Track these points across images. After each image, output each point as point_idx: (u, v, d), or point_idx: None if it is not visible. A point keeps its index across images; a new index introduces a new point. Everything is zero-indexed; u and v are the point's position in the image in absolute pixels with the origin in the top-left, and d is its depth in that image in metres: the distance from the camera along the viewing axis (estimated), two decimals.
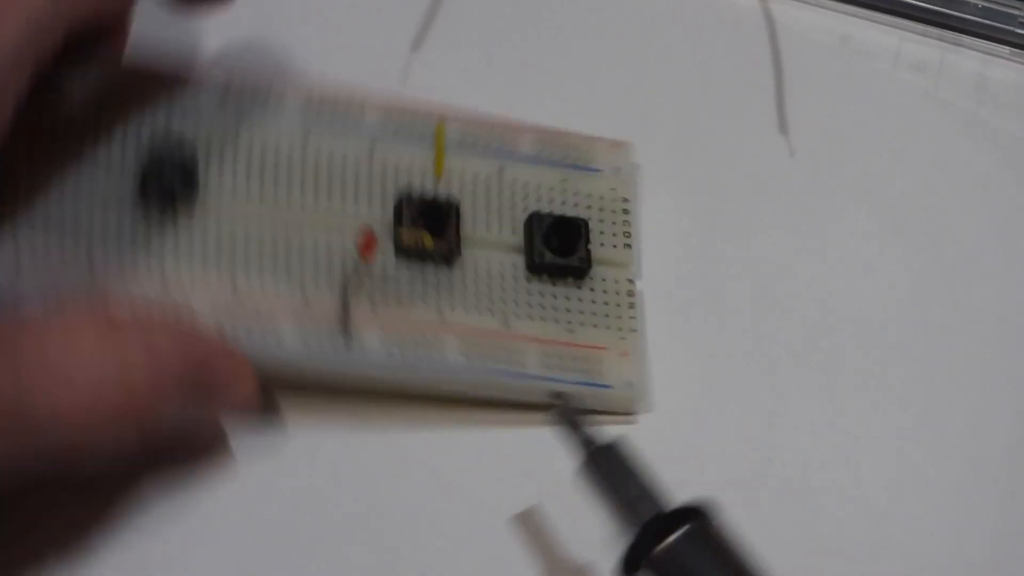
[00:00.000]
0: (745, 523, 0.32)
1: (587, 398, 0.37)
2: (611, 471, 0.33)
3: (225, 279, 0.35)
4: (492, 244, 0.37)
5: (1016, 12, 0.43)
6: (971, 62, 0.43)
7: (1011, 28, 0.43)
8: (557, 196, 0.38)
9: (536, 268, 0.37)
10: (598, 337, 0.37)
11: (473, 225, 0.37)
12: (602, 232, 0.38)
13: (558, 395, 0.36)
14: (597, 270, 0.38)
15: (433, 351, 0.36)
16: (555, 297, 0.37)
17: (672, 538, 0.32)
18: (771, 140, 0.41)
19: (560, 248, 0.37)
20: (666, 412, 0.37)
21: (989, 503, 0.37)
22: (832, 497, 0.37)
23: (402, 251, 0.36)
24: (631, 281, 0.38)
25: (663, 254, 0.39)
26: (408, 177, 0.37)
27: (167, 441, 0.32)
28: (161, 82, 0.36)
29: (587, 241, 0.37)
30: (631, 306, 0.38)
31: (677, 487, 0.33)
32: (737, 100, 0.42)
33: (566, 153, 0.39)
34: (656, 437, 0.35)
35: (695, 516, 0.32)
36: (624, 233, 0.38)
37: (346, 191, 0.37)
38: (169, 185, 0.35)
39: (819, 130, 0.42)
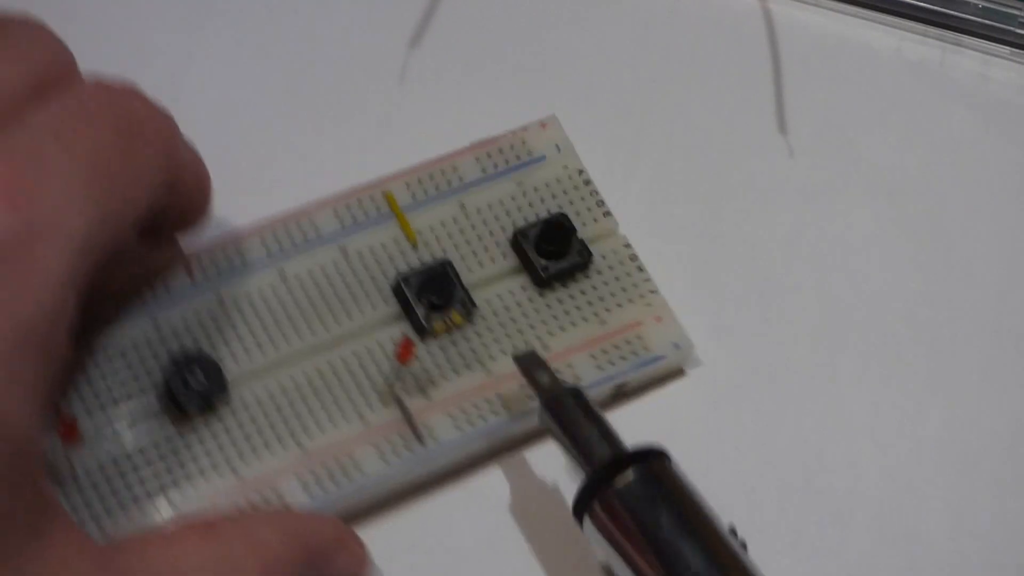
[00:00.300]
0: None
1: (647, 376, 0.37)
2: (569, 416, 0.34)
3: (289, 443, 0.35)
4: (494, 278, 0.38)
5: (1016, 12, 0.43)
6: (971, 62, 0.43)
7: (1011, 28, 0.43)
8: (523, 201, 0.38)
9: (545, 282, 0.37)
10: (628, 315, 0.38)
11: (469, 270, 0.37)
12: (578, 213, 0.39)
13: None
14: (593, 249, 0.38)
15: (496, 409, 0.36)
16: (572, 298, 0.38)
17: (622, 479, 0.32)
18: (771, 139, 0.42)
19: (556, 252, 0.38)
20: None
21: (998, 485, 0.38)
22: (838, 473, 0.37)
23: (430, 334, 0.36)
24: (627, 245, 0.38)
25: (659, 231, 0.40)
26: (389, 258, 0.37)
27: None
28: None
29: (575, 232, 0.38)
30: (640, 269, 0.38)
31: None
32: (736, 100, 0.42)
33: (506, 156, 0.39)
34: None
35: (647, 459, 0.33)
36: (597, 203, 0.39)
37: (344, 303, 0.37)
38: (200, 389, 0.35)
39: (818, 130, 0.42)
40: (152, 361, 0.35)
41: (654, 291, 0.38)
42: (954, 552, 0.36)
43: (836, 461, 0.37)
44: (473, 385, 0.36)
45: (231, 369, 0.35)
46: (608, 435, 0.34)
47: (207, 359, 0.35)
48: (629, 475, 0.32)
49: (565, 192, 0.39)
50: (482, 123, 0.39)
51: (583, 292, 0.38)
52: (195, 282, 0.36)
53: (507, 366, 0.36)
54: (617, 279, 0.38)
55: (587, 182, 0.39)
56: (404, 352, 0.35)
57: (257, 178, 0.39)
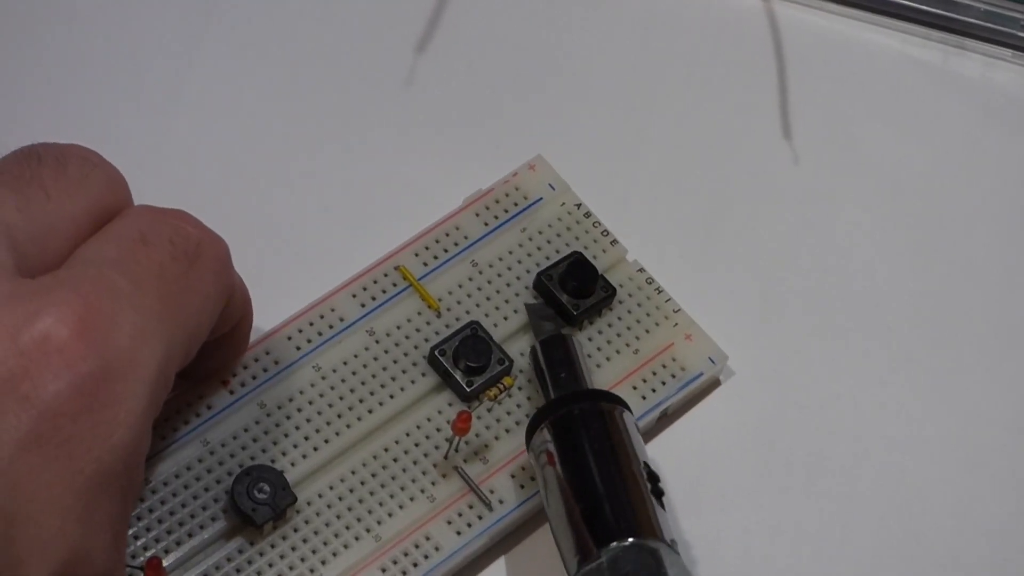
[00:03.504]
0: None
1: (689, 395, 0.38)
2: (551, 357, 0.36)
3: (363, 535, 0.35)
4: (523, 328, 0.38)
5: (1018, 15, 0.43)
6: (974, 64, 0.43)
7: (1013, 31, 0.43)
8: (531, 246, 0.39)
9: (575, 320, 0.38)
10: (659, 339, 0.38)
11: (495, 326, 0.38)
12: (586, 247, 0.39)
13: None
14: (611, 279, 0.38)
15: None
16: (601, 333, 0.38)
17: (568, 409, 0.34)
18: (775, 143, 0.42)
19: (581, 290, 0.38)
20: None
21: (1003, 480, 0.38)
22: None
23: (474, 398, 0.37)
24: (641, 270, 0.39)
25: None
26: (417, 330, 0.37)
27: None
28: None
29: (594, 268, 0.38)
30: (659, 290, 0.39)
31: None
32: (740, 103, 0.42)
33: (503, 206, 0.39)
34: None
35: (599, 400, 0.35)
36: (602, 233, 0.39)
37: (385, 384, 0.37)
38: (268, 501, 0.35)
39: (822, 132, 0.42)
40: (213, 483, 0.35)
41: (677, 310, 0.38)
42: (961, 552, 0.37)
43: (844, 459, 0.38)
44: (522, 443, 0.36)
45: (291, 472, 0.35)
46: (576, 378, 0.36)
47: (267, 468, 0.35)
48: (575, 408, 0.34)
49: (569, 229, 0.39)
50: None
51: (610, 325, 0.38)
52: (234, 394, 0.36)
53: None
54: (639, 305, 0.38)
55: (587, 214, 0.39)
56: (462, 424, 0.35)
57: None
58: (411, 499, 0.36)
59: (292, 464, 0.35)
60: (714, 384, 0.39)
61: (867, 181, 0.42)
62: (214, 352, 0.35)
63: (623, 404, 0.35)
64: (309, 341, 0.37)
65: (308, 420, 0.36)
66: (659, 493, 0.34)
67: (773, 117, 0.42)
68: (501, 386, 0.36)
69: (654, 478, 0.34)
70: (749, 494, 0.37)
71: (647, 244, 0.39)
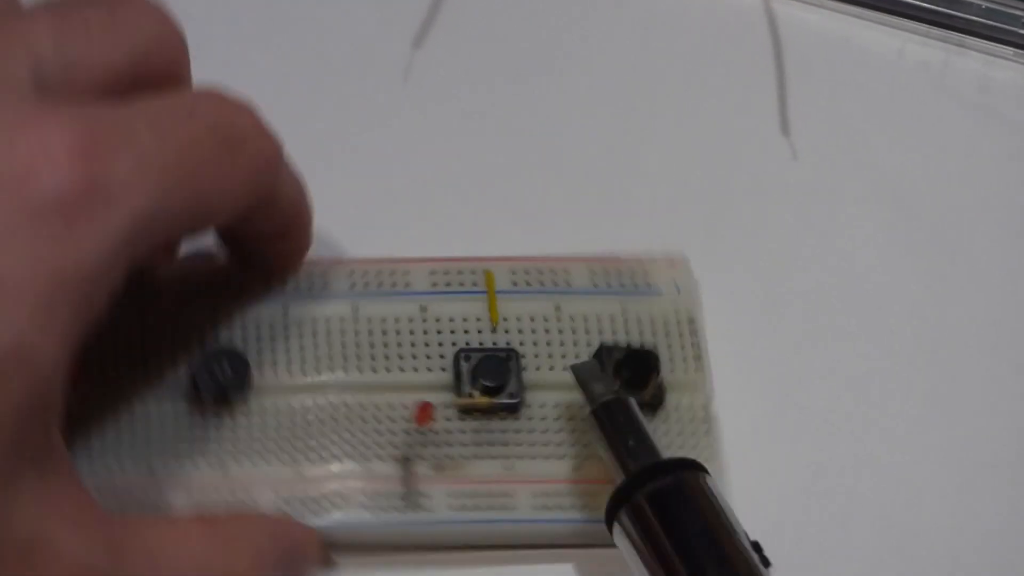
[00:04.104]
0: None
1: None
2: (615, 423, 0.34)
3: (287, 460, 0.35)
4: (557, 386, 0.37)
5: (1019, 13, 0.43)
6: (974, 63, 0.44)
7: (1014, 29, 0.44)
8: (620, 324, 0.37)
9: None
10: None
11: (536, 368, 0.37)
12: (671, 358, 0.37)
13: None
14: (670, 398, 0.37)
15: (500, 506, 0.35)
16: None
17: (651, 486, 0.33)
18: (774, 141, 0.42)
19: (631, 381, 0.36)
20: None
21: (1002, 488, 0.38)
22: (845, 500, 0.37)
23: (464, 410, 0.36)
24: (706, 407, 0.37)
25: None
26: (464, 330, 0.37)
27: None
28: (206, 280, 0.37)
29: (658, 372, 0.36)
30: (707, 432, 0.37)
31: None
32: (739, 101, 0.42)
33: (622, 279, 0.38)
34: None
35: (681, 469, 0.33)
36: (695, 356, 0.37)
37: (403, 356, 0.36)
38: (221, 381, 0.35)
39: (822, 131, 0.42)
40: (196, 346, 0.36)
41: (712, 458, 0.36)
42: (958, 558, 0.37)
43: (839, 465, 0.37)
44: (488, 475, 0.36)
45: (264, 377, 0.36)
46: (647, 445, 0.34)
47: (241, 358, 0.35)
48: (659, 484, 0.33)
49: (668, 333, 0.38)
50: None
51: None
52: (270, 288, 0.37)
53: (527, 469, 0.36)
54: (680, 434, 0.37)
55: (693, 331, 0.38)
56: (422, 414, 0.35)
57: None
58: (350, 458, 0.35)
59: (273, 372, 0.36)
60: None
61: (867, 179, 0.41)
62: (266, 247, 0.35)
63: (703, 468, 0.34)
64: (367, 285, 0.37)
65: (314, 344, 0.36)
66: (767, 563, 0.33)
67: (772, 115, 0.42)
68: (471, 396, 0.36)
69: (758, 547, 0.33)
70: (750, 493, 0.36)
71: (648, 244, 0.39)
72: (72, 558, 0.28)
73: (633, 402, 0.35)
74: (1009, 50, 0.44)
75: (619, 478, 0.34)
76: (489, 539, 0.35)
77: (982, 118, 0.42)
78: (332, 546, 0.35)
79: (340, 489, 0.35)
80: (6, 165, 0.28)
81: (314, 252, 0.37)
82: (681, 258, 0.39)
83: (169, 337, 0.36)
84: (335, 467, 0.35)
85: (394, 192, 0.40)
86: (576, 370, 0.36)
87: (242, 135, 0.32)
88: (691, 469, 0.34)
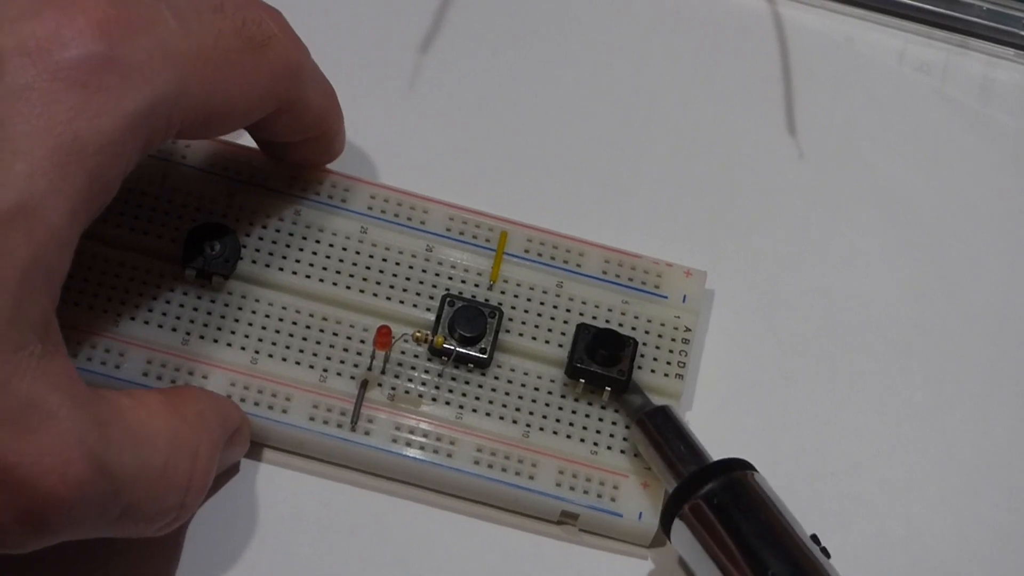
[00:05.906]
0: None
1: (599, 522, 0.36)
2: (660, 432, 0.35)
3: (248, 350, 0.36)
4: (532, 355, 0.37)
5: (1021, 15, 0.43)
6: (976, 64, 0.43)
7: (1016, 30, 0.43)
8: (616, 315, 0.37)
9: (574, 372, 0.36)
10: (622, 464, 0.36)
11: (519, 334, 0.37)
12: (655, 359, 0.37)
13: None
14: (647, 395, 0.37)
15: (441, 451, 0.35)
16: (587, 416, 0.36)
17: (707, 487, 0.34)
18: (780, 141, 0.41)
19: (604, 360, 0.36)
20: None
21: (998, 495, 0.38)
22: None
23: (435, 351, 0.36)
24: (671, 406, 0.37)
25: None
26: (461, 280, 0.37)
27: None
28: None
29: (632, 358, 0.36)
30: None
31: None
32: (745, 101, 0.42)
33: (631, 275, 0.38)
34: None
35: (732, 470, 0.34)
36: (679, 364, 0.37)
37: (394, 286, 0.37)
38: (206, 257, 0.36)
39: (826, 131, 0.42)
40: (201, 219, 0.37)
41: None
42: (958, 558, 0.37)
43: (837, 466, 0.38)
44: (439, 418, 0.36)
45: (255, 268, 0.36)
46: (695, 449, 0.35)
47: (235, 242, 0.36)
48: (714, 485, 0.34)
49: (660, 336, 0.37)
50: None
51: (600, 419, 0.37)
52: (287, 191, 0.37)
53: (477, 423, 0.36)
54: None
55: (685, 341, 0.37)
56: (381, 338, 0.35)
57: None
58: (310, 366, 0.36)
59: (264, 265, 0.36)
60: (634, 544, 0.36)
61: (870, 180, 0.41)
62: (293, 151, 0.36)
63: (752, 467, 0.35)
64: (383, 212, 0.38)
65: (312, 251, 0.37)
66: (827, 554, 0.34)
67: (778, 116, 0.42)
68: (430, 335, 0.36)
69: (816, 540, 0.34)
70: None
71: (649, 243, 0.39)
72: (68, 428, 0.29)
73: (674, 409, 0.36)
74: (1011, 51, 0.43)
75: (669, 482, 0.35)
76: (419, 478, 0.36)
77: (984, 118, 0.42)
78: (266, 440, 0.36)
79: (291, 393, 0.35)
80: (31, 31, 0.29)
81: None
82: (699, 271, 0.38)
83: (180, 202, 0.37)
84: (294, 371, 0.36)
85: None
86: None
87: (267, 38, 0.33)
88: (742, 469, 0.34)
